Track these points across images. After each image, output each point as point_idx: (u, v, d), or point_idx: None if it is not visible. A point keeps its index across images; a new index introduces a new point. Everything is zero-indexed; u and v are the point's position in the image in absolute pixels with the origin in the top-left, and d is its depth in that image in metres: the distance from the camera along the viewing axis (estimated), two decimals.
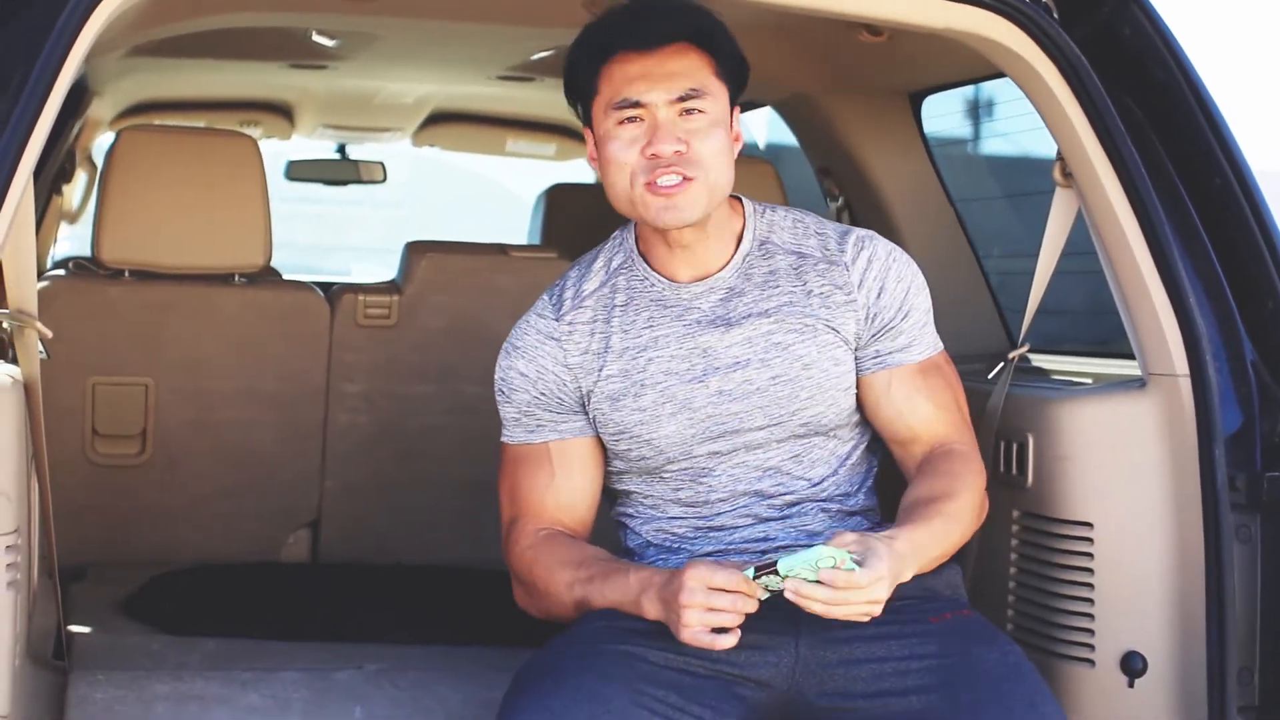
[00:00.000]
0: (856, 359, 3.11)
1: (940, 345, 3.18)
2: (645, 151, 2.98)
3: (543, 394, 3.12)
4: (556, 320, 3.14)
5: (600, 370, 3.09)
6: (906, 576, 2.82)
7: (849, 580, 2.69)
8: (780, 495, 3.09)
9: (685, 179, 2.97)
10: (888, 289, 3.10)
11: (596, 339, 3.11)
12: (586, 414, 3.12)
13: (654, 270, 3.12)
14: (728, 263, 3.11)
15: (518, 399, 3.14)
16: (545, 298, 3.19)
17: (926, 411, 3.12)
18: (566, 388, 3.12)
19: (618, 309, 3.12)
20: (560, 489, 3.13)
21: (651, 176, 2.98)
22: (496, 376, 3.17)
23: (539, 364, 3.12)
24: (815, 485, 3.10)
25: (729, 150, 3.04)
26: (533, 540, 3.09)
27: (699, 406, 3.06)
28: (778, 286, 3.10)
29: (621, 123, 3.00)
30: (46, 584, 3.50)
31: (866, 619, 2.75)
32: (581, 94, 3.08)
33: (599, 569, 2.98)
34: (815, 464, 3.11)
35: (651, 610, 2.87)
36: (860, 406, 3.14)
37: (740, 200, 3.17)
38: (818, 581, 2.69)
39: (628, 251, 3.16)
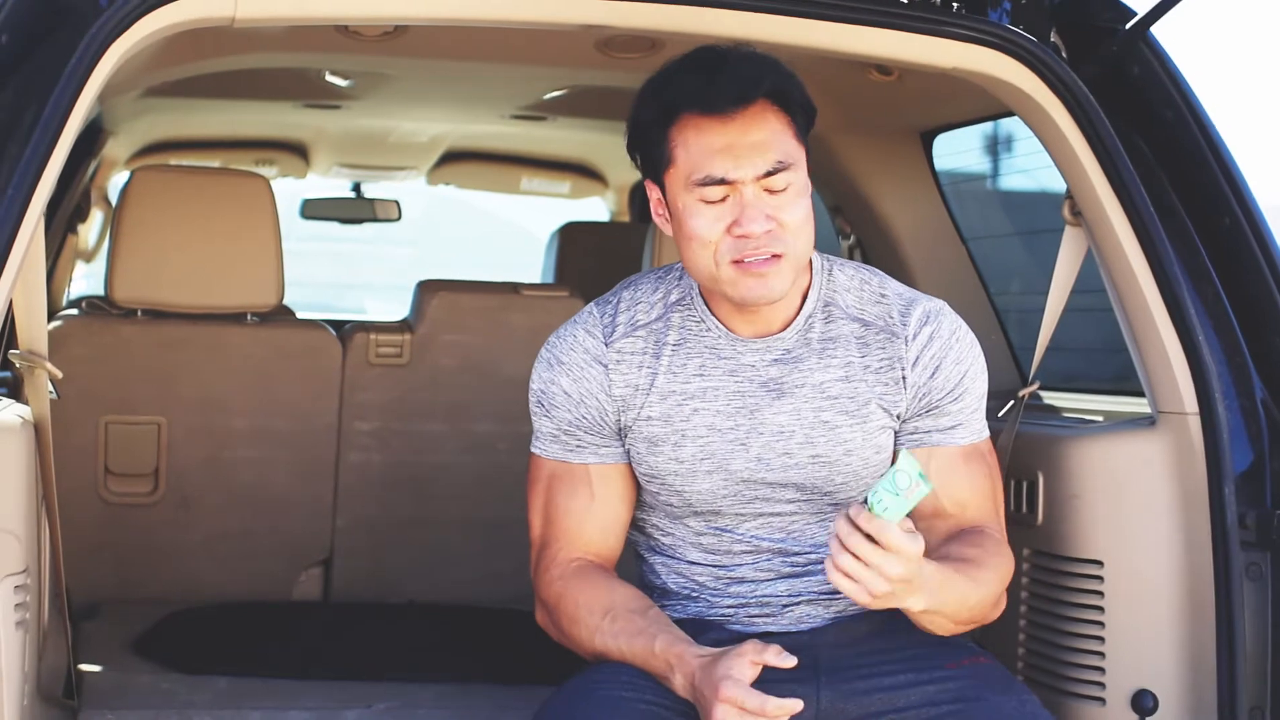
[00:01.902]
0: (896, 433, 3.04)
1: (986, 433, 3.08)
2: (733, 230, 2.86)
3: (585, 417, 3.03)
4: (606, 345, 3.03)
5: (640, 408, 3.02)
6: (916, 603, 2.75)
7: (890, 539, 2.63)
8: (803, 554, 3.05)
9: (774, 256, 2.87)
10: (943, 370, 3.01)
11: (644, 374, 3.02)
12: (624, 443, 3.07)
13: (713, 314, 3.03)
14: (789, 323, 3.01)
15: (558, 416, 3.05)
16: (595, 313, 3.07)
17: (962, 493, 3.03)
18: (608, 416, 3.03)
19: (668, 347, 3.03)
20: (598, 514, 3.05)
21: (740, 256, 2.86)
22: (535, 387, 3.07)
23: (584, 386, 3.03)
24: None
25: (811, 215, 2.92)
26: (564, 571, 3.02)
27: (736, 469, 3.00)
28: (835, 356, 3.01)
29: (705, 200, 2.87)
30: (57, 622, 3.51)
31: (865, 597, 2.67)
32: (648, 153, 2.95)
33: (624, 625, 2.92)
34: None
35: (681, 689, 2.83)
36: None
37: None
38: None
39: (687, 288, 3.05)
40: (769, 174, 2.86)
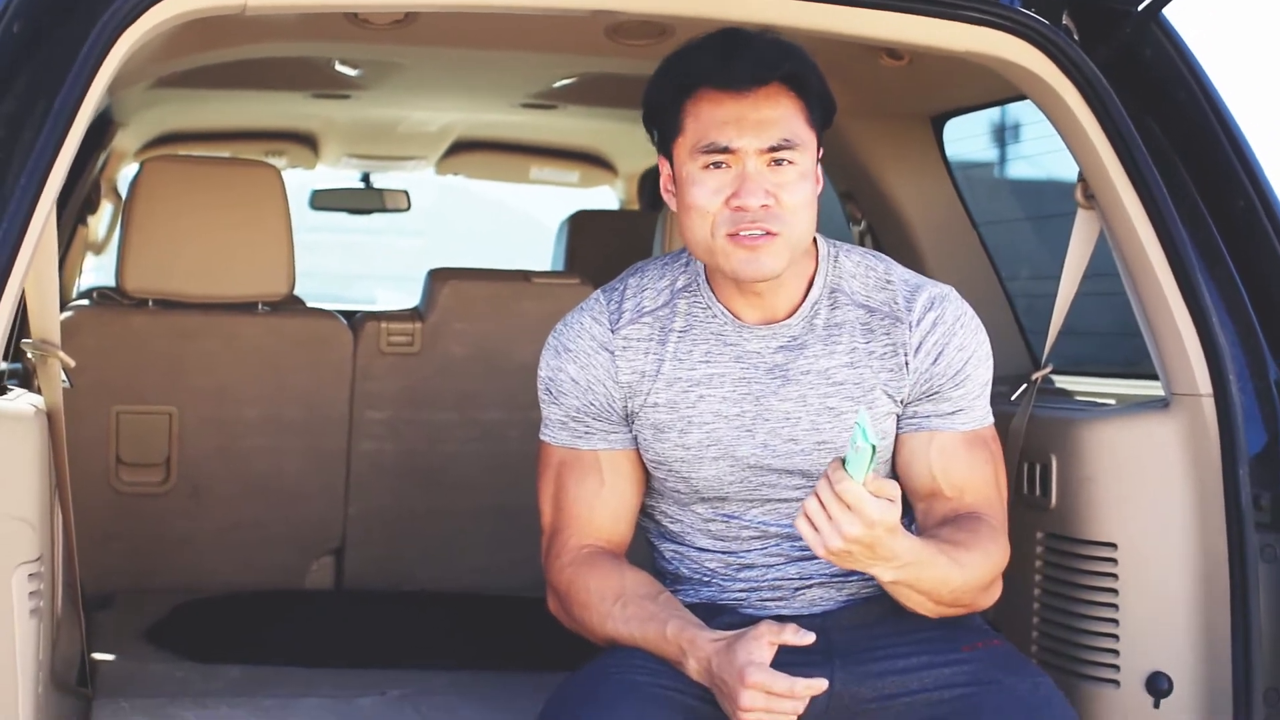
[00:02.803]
0: (900, 417, 3.03)
1: (990, 420, 3.07)
2: (731, 202, 2.87)
3: (592, 403, 3.03)
4: (613, 332, 3.03)
5: (647, 395, 3.02)
6: (882, 572, 2.76)
7: (854, 496, 2.64)
8: None
9: (769, 234, 2.87)
10: (945, 355, 3.00)
11: (650, 360, 3.02)
12: (631, 429, 3.07)
13: (719, 302, 3.03)
14: (795, 309, 3.01)
15: (566, 403, 3.05)
16: (601, 300, 3.08)
17: (960, 478, 3.02)
18: (615, 403, 3.03)
19: (674, 334, 3.03)
20: (608, 501, 3.06)
21: (735, 229, 2.87)
22: (542, 374, 3.07)
23: (591, 373, 3.03)
24: None
25: (814, 200, 2.93)
26: (575, 557, 3.02)
27: (742, 455, 3.00)
28: (840, 343, 3.01)
29: (707, 167, 2.89)
30: (71, 611, 3.51)
31: (821, 549, 2.68)
32: (662, 126, 2.97)
33: (635, 611, 2.92)
34: None
35: (695, 674, 2.83)
36: (892, 465, 3.06)
37: (814, 238, 3.05)
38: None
39: (694, 274, 3.06)
40: (773, 149, 2.88)
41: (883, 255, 3.13)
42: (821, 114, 2.96)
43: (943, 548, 2.85)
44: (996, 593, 3.00)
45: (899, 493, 2.71)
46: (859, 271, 3.06)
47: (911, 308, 3.02)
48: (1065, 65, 3.33)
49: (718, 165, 2.89)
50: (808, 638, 2.78)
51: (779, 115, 2.89)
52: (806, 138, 2.92)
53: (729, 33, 2.96)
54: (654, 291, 3.07)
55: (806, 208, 2.91)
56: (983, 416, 3.06)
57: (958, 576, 2.86)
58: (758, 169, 2.88)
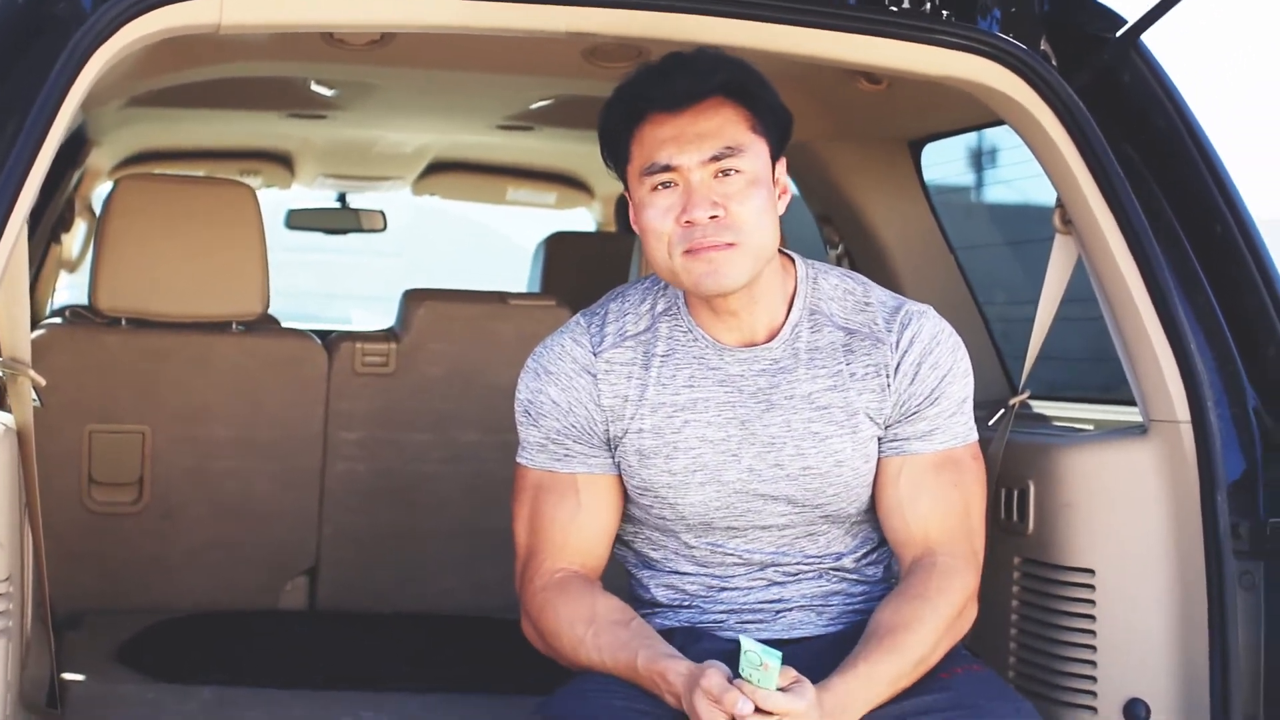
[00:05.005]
0: (881, 439, 3.02)
1: (971, 437, 3.05)
2: (681, 219, 2.87)
3: (573, 425, 3.02)
4: (594, 355, 3.03)
5: (631, 420, 3.01)
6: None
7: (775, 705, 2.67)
8: (794, 563, 3.04)
9: (727, 245, 2.87)
10: (922, 374, 3.00)
11: (633, 385, 3.01)
12: (613, 454, 3.05)
13: (699, 325, 3.03)
14: (776, 332, 3.01)
15: (546, 425, 3.03)
16: (582, 323, 3.07)
17: (924, 510, 3.01)
18: (596, 426, 3.02)
19: (657, 358, 3.02)
20: (584, 525, 3.04)
21: (690, 245, 2.87)
22: (521, 396, 3.06)
23: (572, 395, 3.02)
24: (833, 559, 3.06)
25: (772, 208, 2.92)
26: (547, 582, 3.01)
27: (728, 480, 2.99)
28: (823, 366, 3.00)
29: (655, 189, 2.90)
30: (40, 632, 3.48)
31: None
32: (616, 158, 2.99)
33: (607, 639, 2.90)
34: (832, 543, 3.06)
35: (673, 704, 2.80)
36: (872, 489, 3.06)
37: (793, 259, 3.07)
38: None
39: (673, 298, 3.05)
40: (715, 159, 2.88)
41: (861, 277, 3.13)
42: (773, 122, 2.96)
43: (880, 651, 2.86)
44: (971, 615, 3.00)
45: (793, 672, 2.72)
46: (837, 294, 3.05)
47: (891, 328, 3.02)
48: (1043, 90, 3.33)
49: (665, 185, 2.90)
50: (746, 709, 2.70)
51: (717, 126, 2.89)
52: (752, 144, 2.91)
53: (667, 57, 2.98)
54: (635, 316, 3.06)
55: (762, 214, 2.90)
56: (960, 434, 3.05)
57: (908, 661, 2.88)
58: (703, 181, 2.88)
